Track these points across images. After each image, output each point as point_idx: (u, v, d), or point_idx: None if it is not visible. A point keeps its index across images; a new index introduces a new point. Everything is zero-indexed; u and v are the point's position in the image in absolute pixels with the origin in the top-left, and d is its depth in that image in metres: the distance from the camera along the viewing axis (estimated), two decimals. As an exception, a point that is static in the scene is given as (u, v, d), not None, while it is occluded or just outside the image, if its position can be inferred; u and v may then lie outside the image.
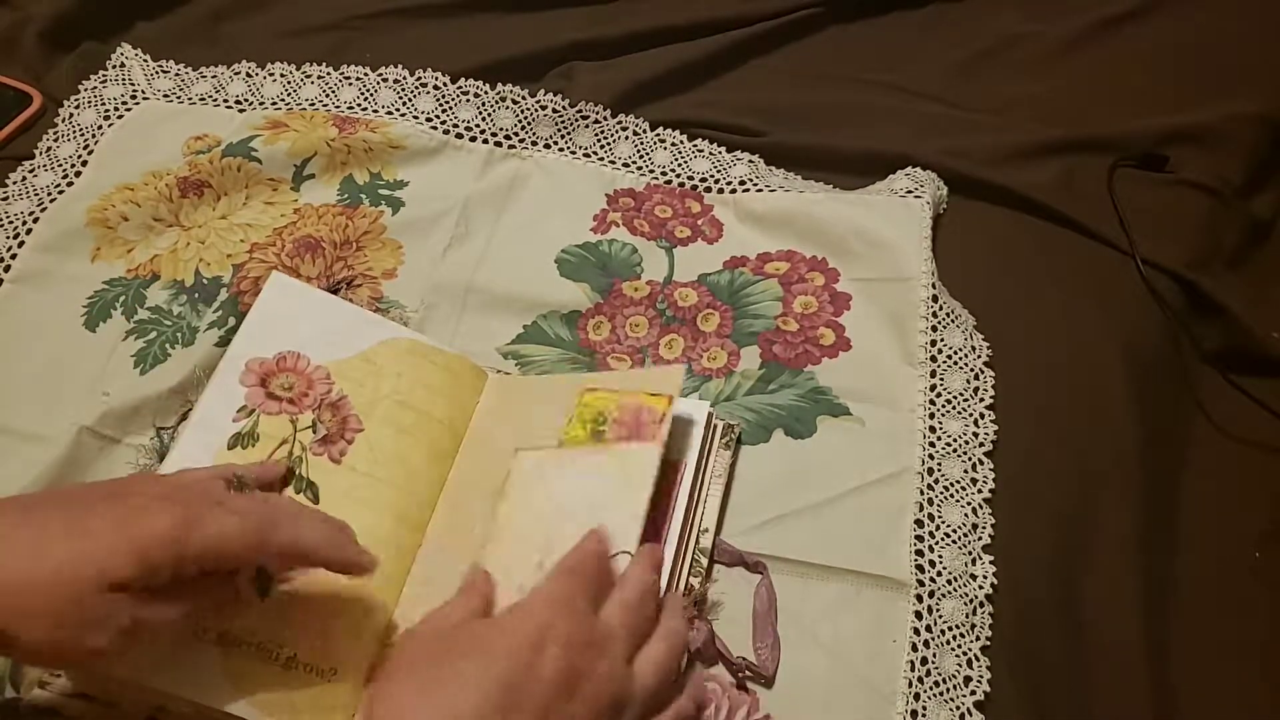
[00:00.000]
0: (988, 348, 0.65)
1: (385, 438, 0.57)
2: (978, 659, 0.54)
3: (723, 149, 0.75)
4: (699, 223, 0.72)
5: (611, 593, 0.47)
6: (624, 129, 0.76)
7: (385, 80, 0.78)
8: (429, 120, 0.76)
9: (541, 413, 0.57)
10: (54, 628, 0.39)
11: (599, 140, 0.76)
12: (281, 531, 0.44)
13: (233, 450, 0.55)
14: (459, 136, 0.75)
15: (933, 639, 0.54)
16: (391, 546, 0.54)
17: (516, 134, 0.76)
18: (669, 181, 0.74)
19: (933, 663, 0.54)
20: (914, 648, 0.54)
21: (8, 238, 0.67)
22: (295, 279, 0.63)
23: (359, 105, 0.77)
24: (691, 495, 0.55)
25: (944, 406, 0.63)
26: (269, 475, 0.53)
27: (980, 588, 0.56)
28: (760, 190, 0.72)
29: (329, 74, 0.79)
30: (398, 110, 0.76)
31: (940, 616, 0.55)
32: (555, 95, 0.76)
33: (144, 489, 0.45)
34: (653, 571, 0.49)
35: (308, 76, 0.78)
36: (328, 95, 0.77)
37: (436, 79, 0.78)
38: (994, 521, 0.59)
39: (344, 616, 0.51)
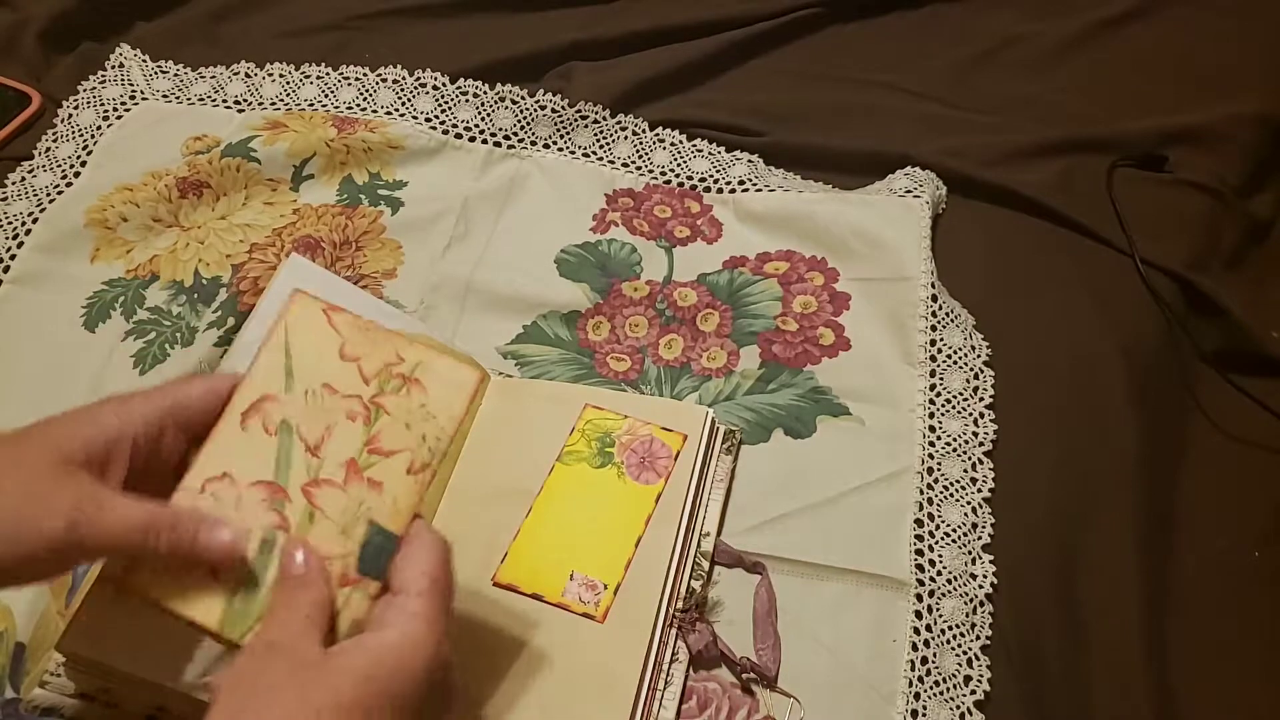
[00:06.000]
0: (987, 348, 0.65)
1: None
2: (978, 659, 0.54)
3: (722, 149, 0.75)
4: (698, 222, 0.72)
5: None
6: (623, 129, 0.76)
7: (384, 80, 0.78)
8: (428, 120, 0.76)
9: (543, 421, 0.57)
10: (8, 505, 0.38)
11: (598, 140, 0.76)
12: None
13: None
14: (458, 136, 0.75)
15: (933, 638, 0.54)
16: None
17: (516, 134, 0.76)
18: (668, 181, 0.74)
19: (933, 662, 0.54)
20: (914, 647, 0.54)
21: (7, 238, 0.67)
22: (313, 263, 0.63)
23: (358, 105, 0.77)
24: (693, 500, 0.55)
25: (944, 406, 0.63)
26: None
27: (980, 587, 0.56)
28: (760, 190, 0.72)
29: (328, 74, 0.79)
30: (397, 110, 0.76)
31: (940, 616, 0.55)
32: (554, 95, 0.76)
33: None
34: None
35: (307, 77, 0.78)
36: (327, 95, 0.77)
37: (436, 79, 0.78)
38: (994, 521, 0.59)
39: None
